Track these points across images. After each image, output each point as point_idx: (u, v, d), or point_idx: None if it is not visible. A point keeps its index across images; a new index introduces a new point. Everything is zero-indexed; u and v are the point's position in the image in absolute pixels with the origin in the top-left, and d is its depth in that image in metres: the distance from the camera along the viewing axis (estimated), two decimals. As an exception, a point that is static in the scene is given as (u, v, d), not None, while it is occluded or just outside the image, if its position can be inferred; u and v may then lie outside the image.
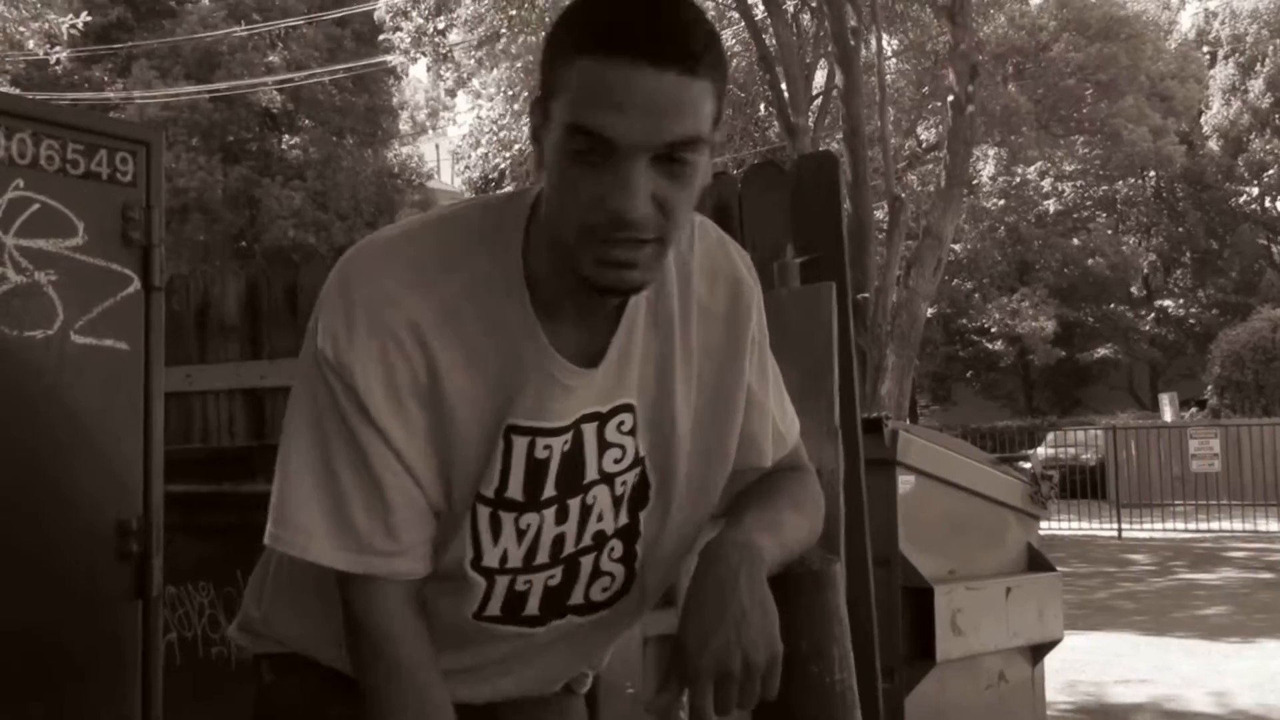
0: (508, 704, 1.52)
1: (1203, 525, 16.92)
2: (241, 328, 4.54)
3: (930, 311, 19.46)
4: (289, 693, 1.50)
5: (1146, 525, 16.97)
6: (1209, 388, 26.25)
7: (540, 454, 1.33)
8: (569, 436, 1.34)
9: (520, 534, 1.36)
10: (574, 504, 1.37)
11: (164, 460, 2.50)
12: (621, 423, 1.36)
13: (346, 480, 1.29)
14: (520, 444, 1.31)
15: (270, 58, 24.46)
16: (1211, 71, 33.44)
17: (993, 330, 31.94)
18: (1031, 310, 30.40)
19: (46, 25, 15.57)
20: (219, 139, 24.34)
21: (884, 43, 18.37)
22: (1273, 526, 16.17)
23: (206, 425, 4.57)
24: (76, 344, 2.32)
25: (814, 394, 3.02)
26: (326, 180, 24.56)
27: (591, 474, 1.37)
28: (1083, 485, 18.94)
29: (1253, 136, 33.78)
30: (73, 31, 15.73)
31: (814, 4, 17.13)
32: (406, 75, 28.18)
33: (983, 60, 17.30)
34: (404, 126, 30.15)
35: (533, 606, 1.41)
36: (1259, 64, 33.68)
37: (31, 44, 15.98)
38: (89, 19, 16.31)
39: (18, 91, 16.96)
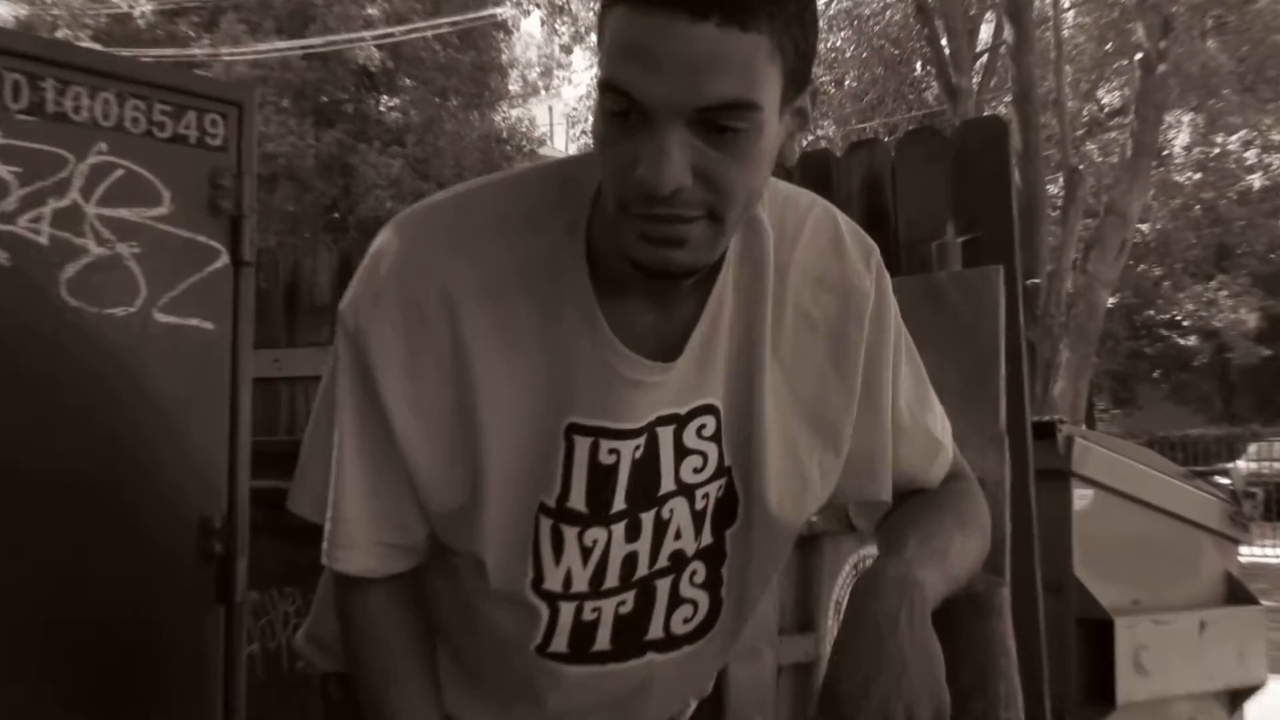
0: None
1: None
2: (334, 307, 4.62)
3: (1112, 301, 19.06)
4: None
5: (1366, 554, 16.42)
6: None
7: (605, 459, 1.30)
8: (642, 441, 1.31)
9: (585, 552, 1.34)
10: (647, 519, 1.34)
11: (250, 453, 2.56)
12: (702, 426, 1.33)
13: (344, 465, 1.34)
14: (582, 445, 1.29)
15: (369, 10, 24.92)
16: None
17: (1185, 324, 31.20)
18: (1231, 301, 29.65)
19: (130, -25, 16.10)
20: (312, 100, 24.88)
21: (1062, -9, 18.02)
22: None
23: (294, 415, 4.66)
24: (159, 323, 2.38)
25: (976, 394, 2.98)
26: (427, 146, 24.93)
27: (668, 485, 1.34)
28: (1290, 506, 18.45)
29: None
30: (157, -18, 16.23)
31: (981, -53, 16.88)
32: (518, 30, 28.50)
33: (1177, 12, 16.84)
34: (514, 87, 30.45)
35: (603, 640, 1.39)
36: None
37: (114, -4, 16.52)
38: (175, -32, 16.80)
39: (99, 47, 17.55)
